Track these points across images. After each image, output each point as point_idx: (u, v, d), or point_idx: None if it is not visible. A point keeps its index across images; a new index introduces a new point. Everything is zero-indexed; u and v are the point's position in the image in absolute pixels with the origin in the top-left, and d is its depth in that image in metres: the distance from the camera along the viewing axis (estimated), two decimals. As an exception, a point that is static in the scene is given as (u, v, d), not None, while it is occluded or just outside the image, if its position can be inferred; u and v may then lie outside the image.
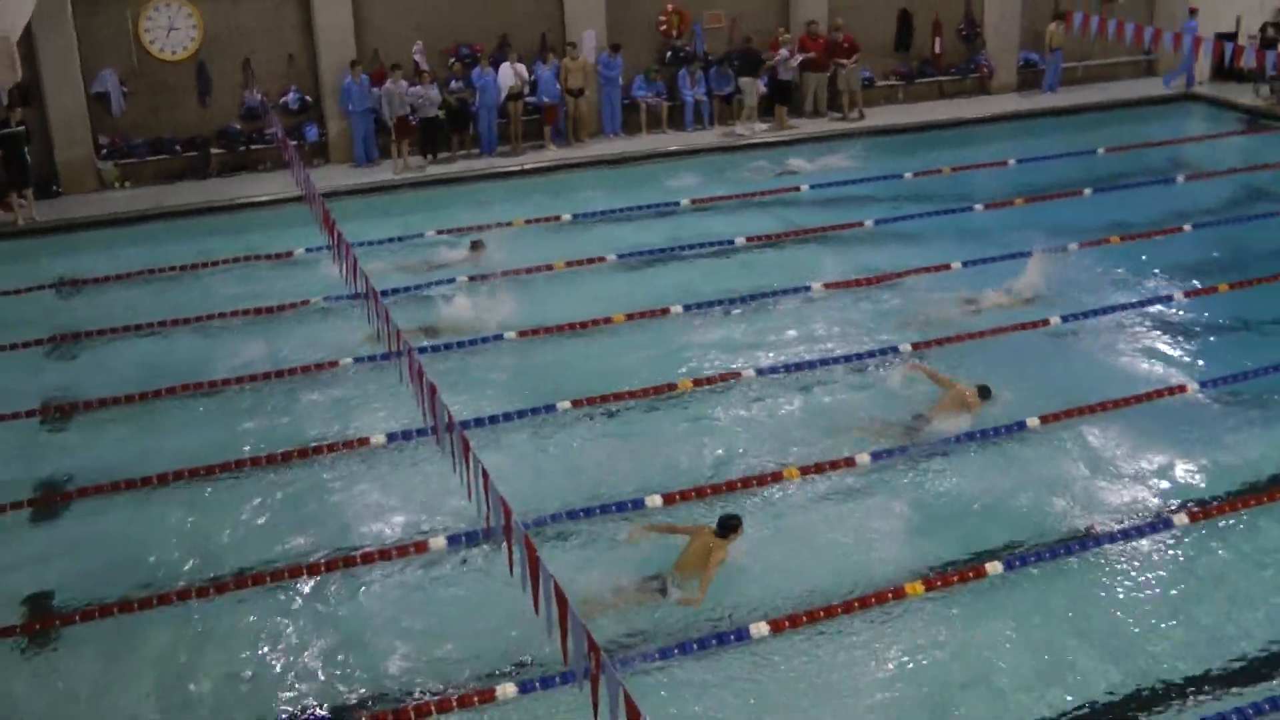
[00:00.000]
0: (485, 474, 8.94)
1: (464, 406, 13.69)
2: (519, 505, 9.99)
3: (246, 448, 13.31)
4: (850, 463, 12.66)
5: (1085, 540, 11.39)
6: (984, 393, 13.67)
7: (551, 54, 24.10)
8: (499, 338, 15.81)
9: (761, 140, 24.85)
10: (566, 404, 13.94)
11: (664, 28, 25.60)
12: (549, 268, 18.17)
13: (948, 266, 18.00)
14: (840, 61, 26.05)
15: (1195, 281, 17.46)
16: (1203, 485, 12.33)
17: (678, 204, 21.20)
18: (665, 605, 10.54)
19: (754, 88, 25.37)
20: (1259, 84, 27.81)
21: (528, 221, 20.23)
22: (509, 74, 23.43)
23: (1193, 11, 27.87)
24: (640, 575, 10.83)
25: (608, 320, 16.27)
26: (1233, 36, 27.95)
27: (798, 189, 21.92)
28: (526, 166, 23.32)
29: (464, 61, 23.62)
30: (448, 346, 15.56)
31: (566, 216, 20.52)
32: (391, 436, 13.39)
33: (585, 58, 24.16)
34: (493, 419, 13.69)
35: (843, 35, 26.12)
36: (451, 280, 17.74)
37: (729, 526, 10.88)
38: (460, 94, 23.24)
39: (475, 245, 18.69)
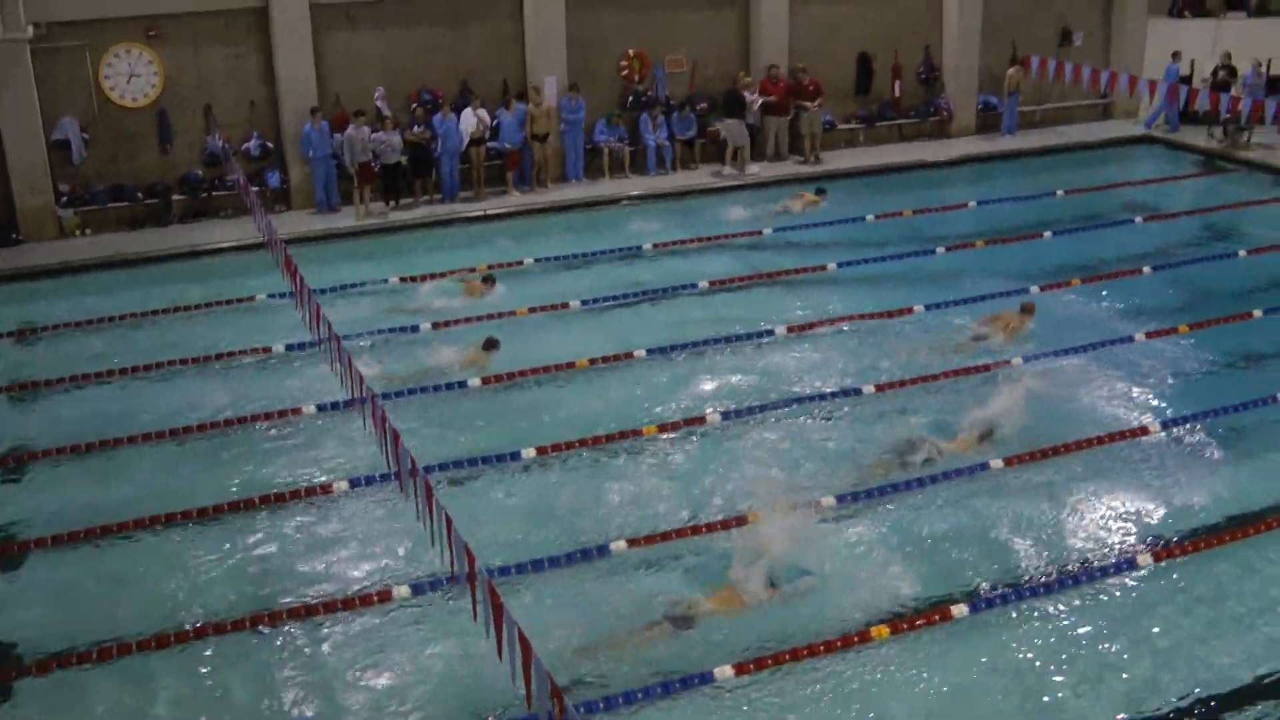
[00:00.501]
0: (448, 520, 8.91)
1: (427, 452, 13.61)
2: (482, 552, 9.97)
3: (207, 496, 13.19)
4: (816, 506, 12.67)
5: (1049, 582, 11.43)
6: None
7: (514, 99, 24.19)
8: (462, 384, 15.77)
9: (727, 184, 24.98)
10: (530, 451, 13.90)
11: (625, 72, 25.75)
12: (512, 314, 18.16)
13: (909, 310, 18.10)
14: (803, 104, 26.26)
15: (1155, 322, 17.64)
16: (1165, 525, 12.41)
17: (640, 248, 21.27)
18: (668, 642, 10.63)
19: (741, 129, 25.64)
20: (1212, 127, 28.20)
21: (490, 267, 20.22)
22: (471, 120, 23.51)
23: (1175, 55, 28.17)
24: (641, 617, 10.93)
25: (571, 365, 16.26)
26: (1187, 80, 28.38)
27: (759, 233, 22.04)
28: (489, 212, 23.35)
29: (426, 107, 23.67)
30: (411, 392, 15.51)
31: (529, 261, 20.53)
32: (354, 483, 13.32)
33: (549, 103, 24.27)
34: (456, 464, 13.64)
35: (809, 79, 26.32)
36: (415, 328, 17.70)
37: None
38: (421, 136, 23.25)
39: (488, 280, 18.89)
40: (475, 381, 15.79)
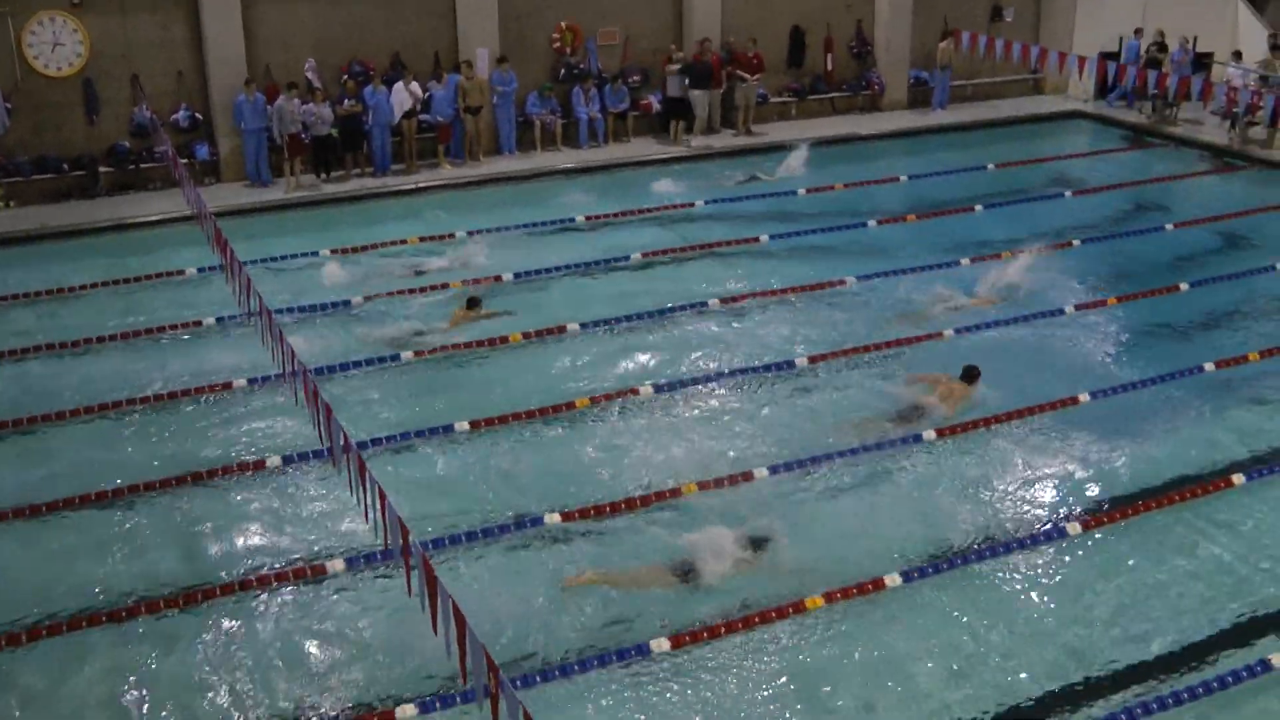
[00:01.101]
0: (382, 495, 8.88)
1: (361, 427, 13.58)
2: (418, 525, 9.95)
3: (138, 473, 13.05)
4: (748, 477, 12.76)
5: (980, 550, 11.59)
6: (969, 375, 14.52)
7: (445, 72, 24.03)
8: (395, 358, 15.69)
9: (659, 157, 25.00)
10: (464, 424, 13.87)
11: (558, 45, 25.64)
12: (444, 286, 18.07)
13: (842, 282, 18.23)
14: (742, 76, 26.29)
15: (1084, 295, 17.89)
16: (1096, 493, 12.61)
17: (573, 220, 21.23)
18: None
19: (705, 100, 25.84)
20: (1139, 102, 28.56)
21: (422, 239, 20.11)
22: (403, 93, 23.32)
23: (1137, 32, 28.35)
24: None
25: (504, 340, 16.23)
26: (1115, 56, 28.66)
27: (692, 204, 22.07)
28: (421, 185, 23.20)
29: (357, 79, 23.44)
30: (344, 366, 15.40)
31: (461, 234, 20.44)
32: (287, 459, 13.22)
33: (480, 76, 24.12)
34: (390, 439, 13.58)
35: (753, 52, 26.38)
36: (347, 302, 17.58)
37: None
38: (352, 109, 23.01)
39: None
40: (409, 354, 15.71)
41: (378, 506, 8.92)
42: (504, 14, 24.76)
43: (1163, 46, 27.99)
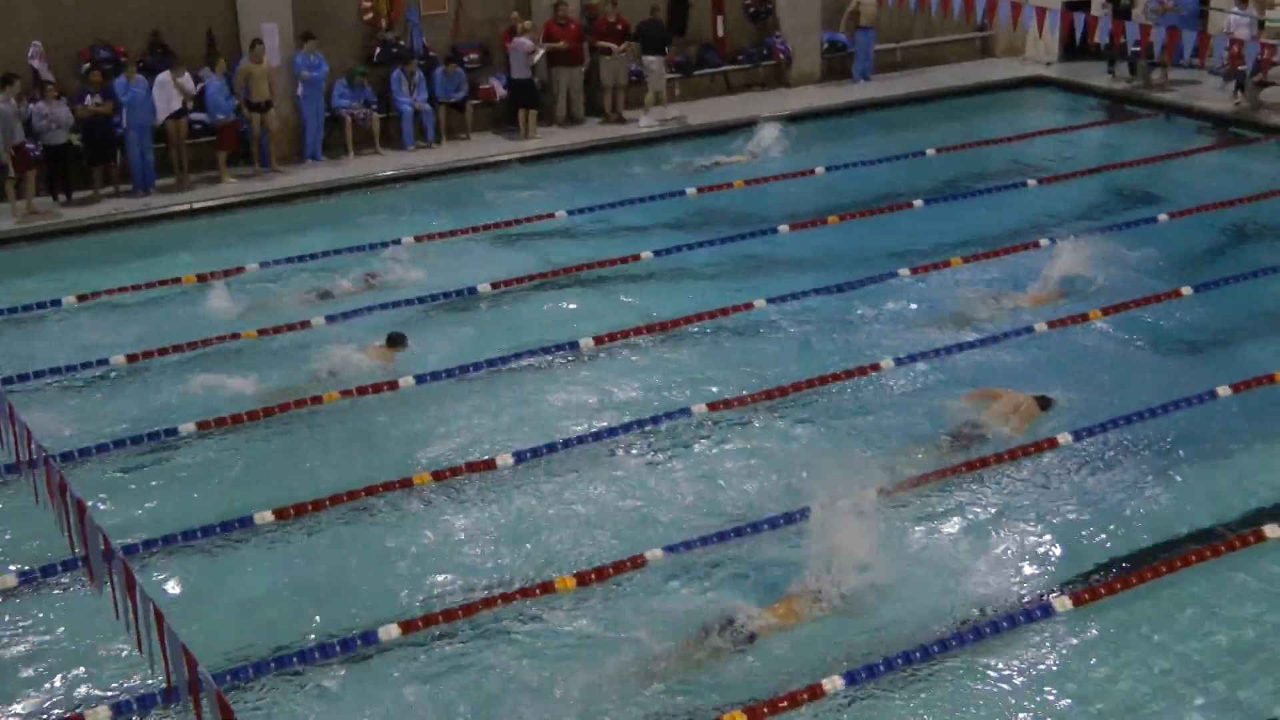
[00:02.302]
0: (159, 616, 8.72)
1: (126, 526, 13.35)
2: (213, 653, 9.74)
3: None
4: (639, 562, 12.81)
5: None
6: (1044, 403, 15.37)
7: (224, 58, 23.87)
8: (172, 431, 15.47)
9: (507, 157, 25.11)
10: (267, 515, 13.71)
11: (370, 17, 25.61)
12: (234, 336, 17.88)
13: (750, 305, 18.38)
14: (607, 47, 26.50)
15: (1061, 308, 18.25)
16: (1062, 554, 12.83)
17: (399, 242, 21.16)
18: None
19: (661, 68, 26.54)
20: (1116, 63, 29.19)
21: (199, 277, 19.91)
22: (169, 86, 23.08)
23: None
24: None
25: (316, 400, 16.11)
26: (1083, 6, 29.30)
27: (553, 215, 22.14)
28: (196, 205, 22.98)
29: (103, 69, 23.18)
30: (101, 449, 15.15)
31: (253, 266, 20.26)
32: (25, 576, 12.92)
33: (269, 60, 23.95)
34: (168, 539, 13.36)
35: (617, 16, 26.66)
36: (105, 360, 17.32)
37: None
38: (99, 108, 22.71)
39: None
40: (189, 426, 15.48)
41: (153, 632, 8.75)
42: (294, -23, 24.74)
43: (1135, -11, 28.71)
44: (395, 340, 17.38)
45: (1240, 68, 26.37)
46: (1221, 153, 25.49)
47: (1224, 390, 15.83)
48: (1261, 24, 27.52)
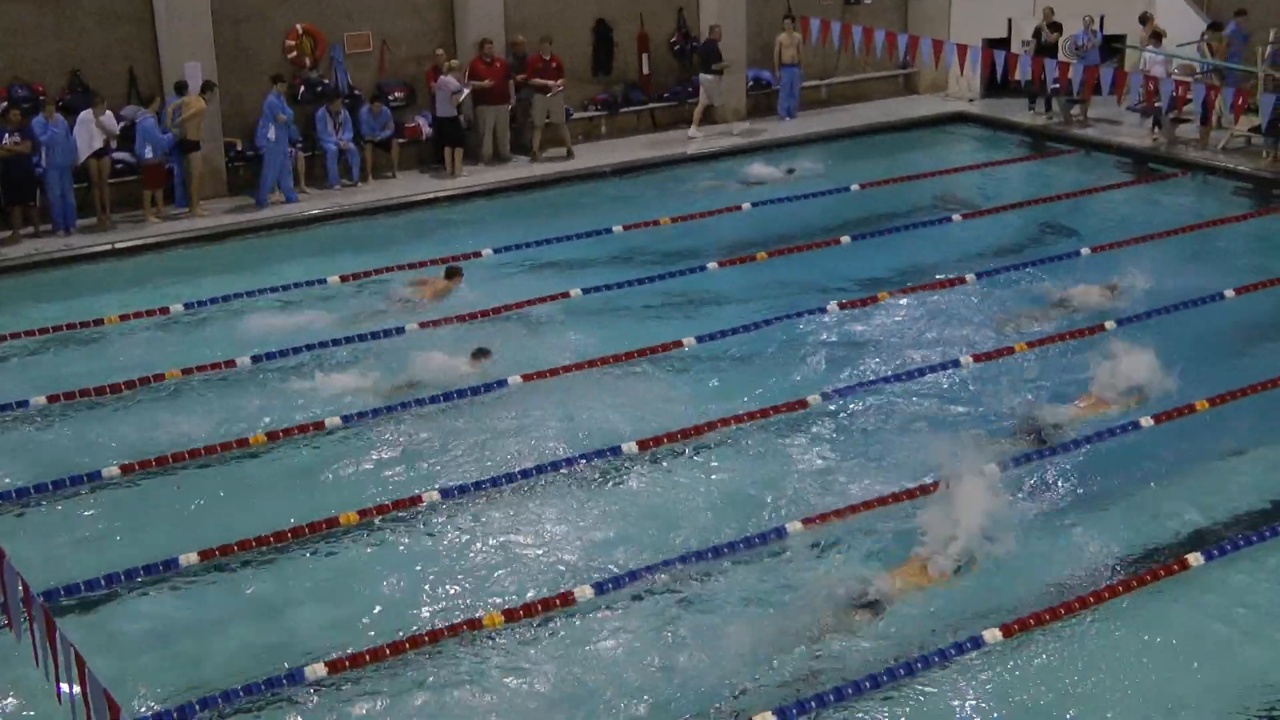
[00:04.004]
0: (80, 662, 8.59)
1: (49, 574, 13.17)
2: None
3: None
4: (568, 599, 12.78)
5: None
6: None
7: (156, 96, 23.67)
8: (95, 475, 15.27)
9: (434, 195, 25.06)
10: (192, 557, 13.55)
11: (294, 55, 25.52)
12: (158, 378, 17.69)
13: (679, 344, 18.38)
14: (545, 84, 26.54)
15: (986, 342, 18.41)
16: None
17: (324, 282, 21.04)
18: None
19: (718, 86, 28.17)
20: (1037, 100, 29.51)
21: (123, 318, 19.70)
22: (91, 125, 22.84)
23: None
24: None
25: (243, 442, 15.97)
26: (1004, 43, 29.61)
27: (479, 254, 22.05)
28: (119, 245, 22.75)
29: (21, 107, 22.94)
30: (20, 493, 14.93)
31: (177, 308, 20.08)
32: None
33: (199, 100, 23.71)
34: (90, 585, 13.19)
35: (552, 55, 26.77)
36: (24, 402, 17.10)
37: None
38: (17, 147, 22.40)
39: (452, 274, 19.06)
40: (113, 469, 15.29)
41: (74, 677, 8.62)
42: (219, 16, 24.60)
43: (1057, 28, 28.94)
44: (480, 354, 17.81)
45: (1156, 104, 26.69)
46: (1143, 187, 25.76)
47: (1146, 421, 16.04)
48: (1193, 67, 27.90)
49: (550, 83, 26.71)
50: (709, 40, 28.40)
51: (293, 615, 12.89)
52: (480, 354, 17.88)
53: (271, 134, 24.33)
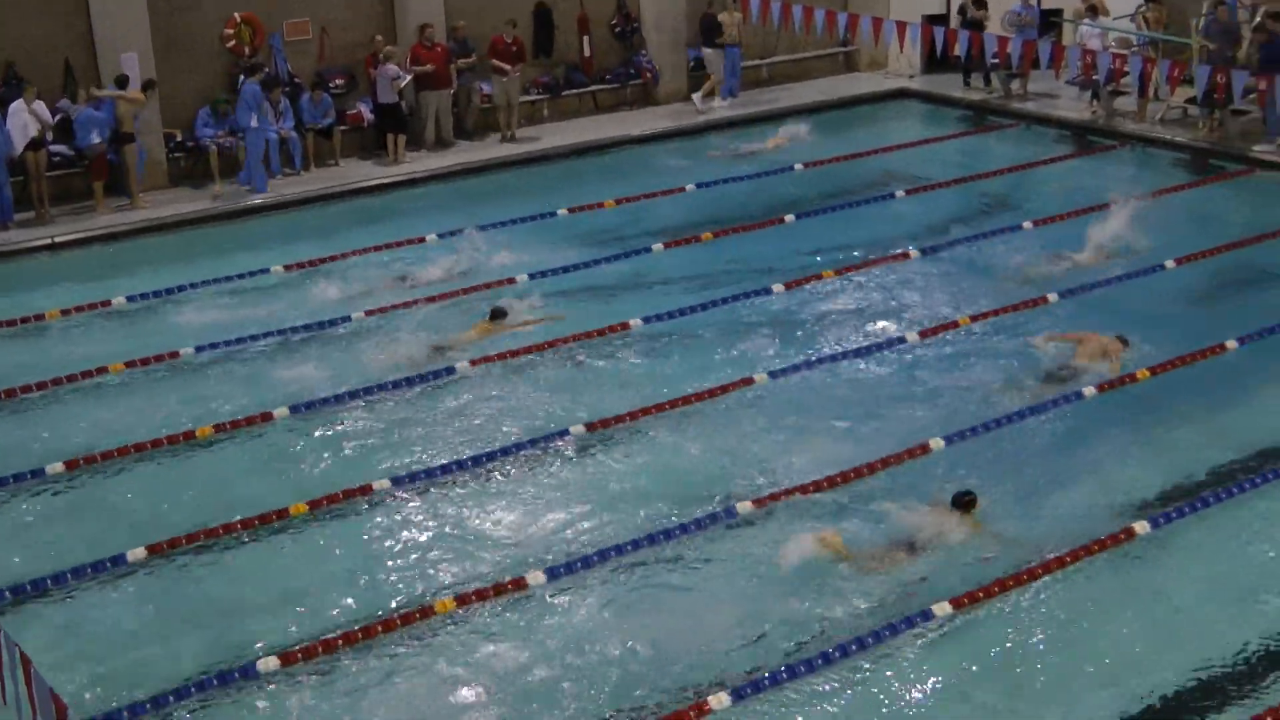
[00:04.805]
0: (26, 661, 8.53)
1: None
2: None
3: None
4: (521, 584, 12.81)
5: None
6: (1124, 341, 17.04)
7: (84, 88, 23.46)
8: (39, 473, 15.15)
9: (380, 181, 24.96)
10: (140, 551, 13.48)
11: (232, 44, 25.33)
12: (101, 371, 17.56)
13: (626, 325, 18.38)
14: (503, 68, 26.63)
15: (928, 319, 18.49)
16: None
17: (268, 271, 20.93)
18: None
19: (719, 60, 28.56)
20: (972, 75, 29.64)
21: (64, 312, 19.55)
22: (24, 115, 22.60)
23: None
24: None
25: (190, 435, 15.88)
26: (943, 19, 29.67)
27: (423, 239, 21.96)
28: (59, 239, 22.54)
29: (-46, 100, 22.73)
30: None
31: (120, 300, 19.92)
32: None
33: (136, 93, 23.46)
34: (36, 584, 13.11)
35: (513, 37, 26.85)
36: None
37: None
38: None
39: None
40: (57, 466, 15.18)
41: (19, 679, 8.56)
42: (155, 6, 24.35)
43: (982, 4, 29.00)
44: (497, 314, 18.48)
45: (1094, 78, 26.83)
46: (1083, 160, 25.93)
47: (1089, 391, 16.24)
48: (1130, 39, 28.04)
49: (507, 66, 26.64)
50: (707, 14, 28.63)
51: (244, 609, 12.82)
52: (498, 314, 18.51)
53: (254, 121, 24.16)
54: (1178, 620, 12.29)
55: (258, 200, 24.07)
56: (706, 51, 28.99)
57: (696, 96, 28.93)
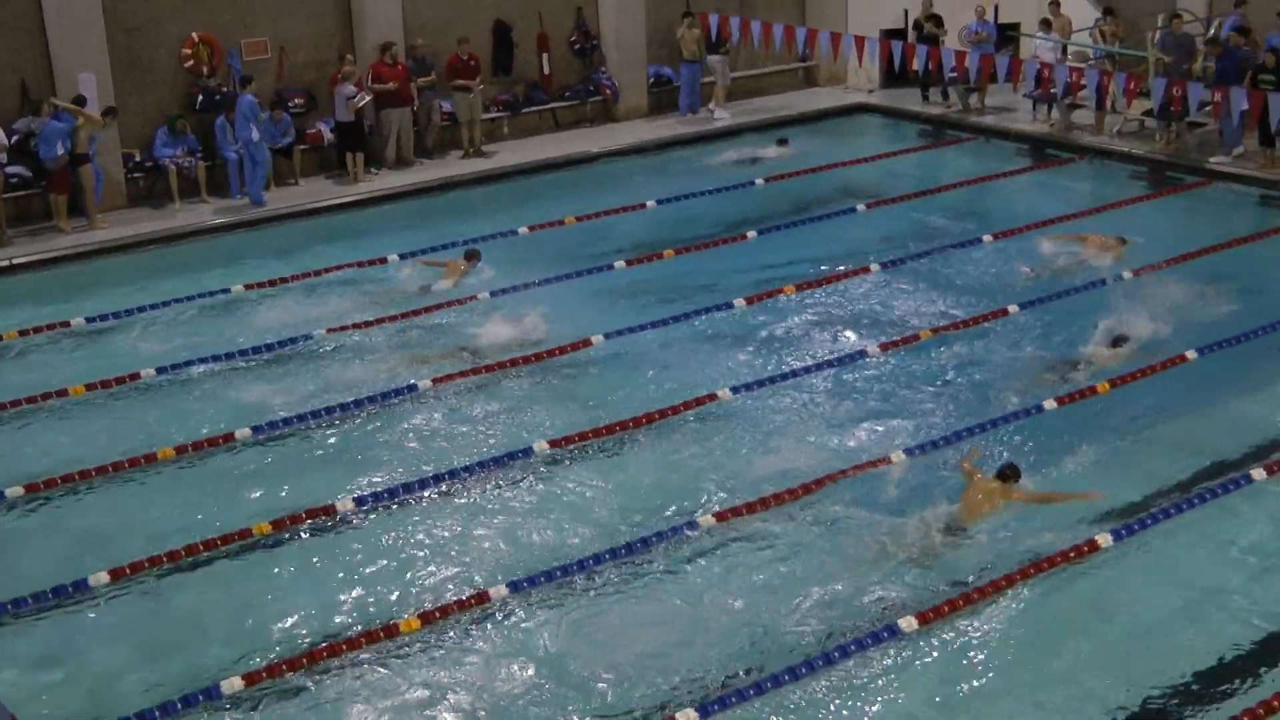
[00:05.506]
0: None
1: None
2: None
3: None
4: (483, 598, 12.81)
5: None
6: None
7: (56, 106, 23.32)
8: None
9: (340, 201, 24.91)
10: (103, 576, 13.38)
11: (190, 63, 25.22)
12: (61, 393, 17.45)
13: (588, 342, 18.37)
14: (465, 85, 26.62)
15: (891, 331, 18.54)
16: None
17: (228, 292, 20.84)
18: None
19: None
20: (930, 89, 29.77)
21: (22, 333, 19.44)
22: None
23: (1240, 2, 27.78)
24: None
25: (150, 458, 15.78)
26: (901, 34, 29.78)
27: (384, 260, 21.91)
28: (17, 260, 22.38)
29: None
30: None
31: (79, 321, 19.81)
32: None
33: (95, 114, 23.32)
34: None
35: (469, 54, 26.82)
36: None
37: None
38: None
39: (470, 256, 20.36)
40: (16, 490, 15.07)
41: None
42: (112, 23, 24.25)
43: (937, 20, 29.12)
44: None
45: (1051, 91, 26.97)
46: (1041, 173, 26.09)
47: (1049, 404, 16.30)
48: (1064, 48, 28.23)
49: (470, 83, 26.65)
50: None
51: (207, 630, 12.74)
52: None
53: (255, 135, 24.23)
54: (1139, 635, 12.32)
55: (220, 220, 23.96)
56: (712, 59, 29.38)
57: (712, 105, 29.57)
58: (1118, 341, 17.41)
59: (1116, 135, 26.95)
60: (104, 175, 23.81)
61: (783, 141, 27.55)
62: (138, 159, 24.85)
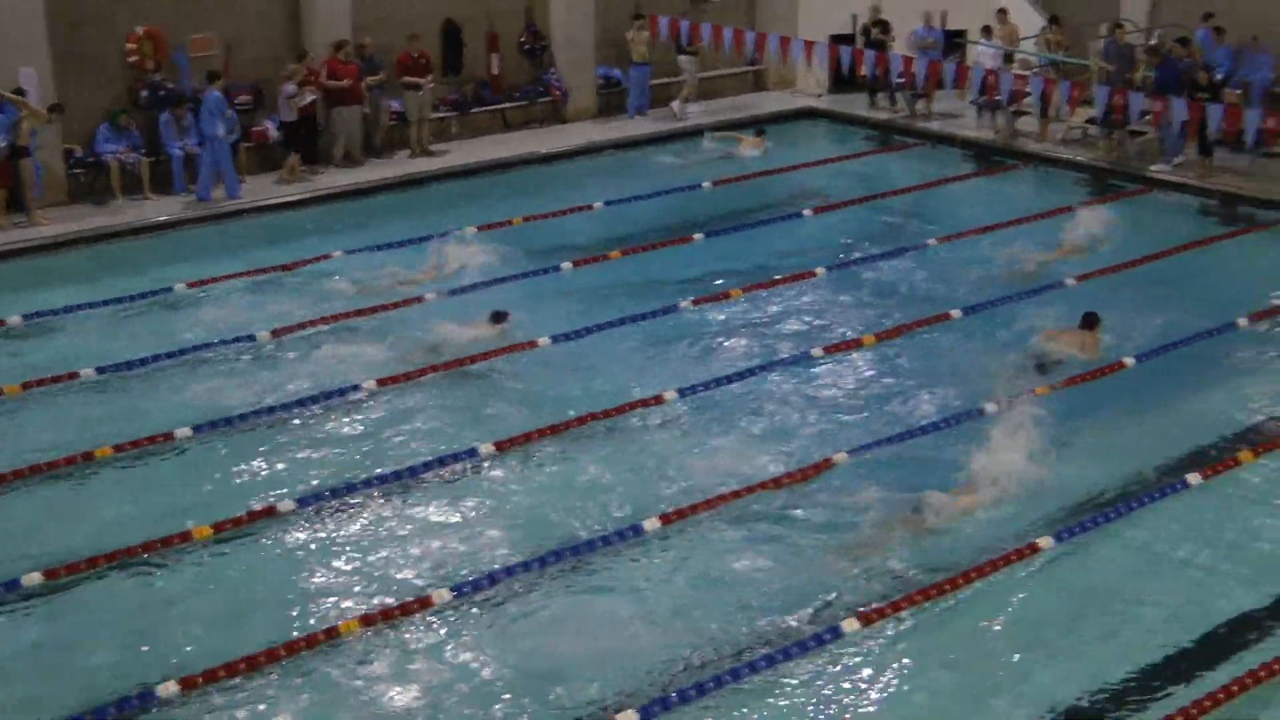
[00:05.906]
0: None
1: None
2: None
3: None
4: (427, 602, 12.73)
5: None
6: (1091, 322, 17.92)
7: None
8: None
9: (287, 199, 24.74)
10: (35, 577, 13.20)
11: (135, 58, 24.99)
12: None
13: (534, 344, 18.29)
14: (415, 82, 26.53)
15: (834, 335, 18.60)
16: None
17: (171, 290, 20.65)
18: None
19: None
20: (877, 95, 29.85)
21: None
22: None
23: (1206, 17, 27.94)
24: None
25: (88, 456, 15.60)
26: (849, 39, 29.83)
27: (328, 256, 21.75)
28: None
29: None
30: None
31: (16, 319, 19.58)
32: None
33: (40, 108, 23.06)
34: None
35: (420, 51, 26.77)
36: None
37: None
38: None
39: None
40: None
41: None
42: (54, 17, 23.94)
43: (885, 26, 29.20)
44: (498, 317, 18.62)
45: (996, 98, 27.08)
46: (986, 179, 26.29)
47: (989, 408, 16.24)
48: (1009, 56, 28.39)
49: (421, 80, 26.56)
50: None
51: (144, 634, 12.59)
52: (499, 317, 18.62)
53: (222, 131, 24.07)
54: (1077, 635, 12.38)
55: (164, 217, 23.76)
56: (682, 59, 29.81)
57: (674, 103, 29.74)
58: (1042, 368, 17.45)
59: (1060, 142, 27.12)
60: (44, 170, 23.56)
61: (760, 132, 27.74)
62: (79, 154, 24.59)
